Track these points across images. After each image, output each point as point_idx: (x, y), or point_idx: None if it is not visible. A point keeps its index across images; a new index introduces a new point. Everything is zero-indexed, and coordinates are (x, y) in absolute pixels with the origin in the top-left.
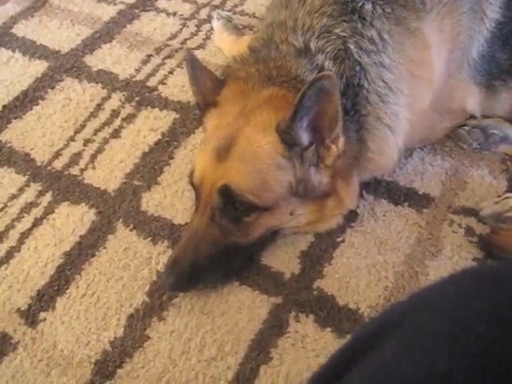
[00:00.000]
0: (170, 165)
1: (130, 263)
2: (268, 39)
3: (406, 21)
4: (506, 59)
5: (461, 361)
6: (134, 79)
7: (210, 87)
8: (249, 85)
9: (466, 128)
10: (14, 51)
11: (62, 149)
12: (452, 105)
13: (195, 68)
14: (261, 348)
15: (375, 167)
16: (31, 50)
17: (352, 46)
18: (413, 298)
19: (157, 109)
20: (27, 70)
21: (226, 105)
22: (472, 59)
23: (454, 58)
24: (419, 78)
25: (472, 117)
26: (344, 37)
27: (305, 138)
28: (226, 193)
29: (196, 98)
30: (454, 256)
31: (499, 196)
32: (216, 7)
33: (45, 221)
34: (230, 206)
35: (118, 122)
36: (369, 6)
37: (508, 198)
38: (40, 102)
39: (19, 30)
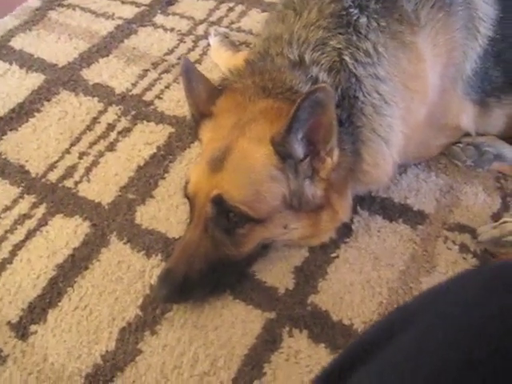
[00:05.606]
0: (164, 179)
1: (124, 276)
2: (264, 52)
3: (401, 35)
4: (498, 76)
5: (471, 366)
6: (130, 93)
7: (205, 97)
8: (245, 96)
9: (460, 145)
10: (11, 64)
11: (56, 161)
12: (447, 121)
13: (191, 77)
14: (254, 363)
15: (370, 180)
16: (28, 62)
17: (347, 58)
18: (419, 300)
19: (153, 123)
20: (24, 83)
21: (221, 116)
22: (466, 76)
23: (448, 74)
24: (413, 91)
25: (466, 134)
26: (339, 49)
27: (299, 150)
28: (220, 202)
29: (191, 109)
30: (449, 272)
31: (494, 214)
32: (213, 23)
33: (38, 233)
34: (223, 216)
35: (113, 135)
36: (364, 20)
37: (506, 222)
38: (36, 114)
39: (17, 43)
